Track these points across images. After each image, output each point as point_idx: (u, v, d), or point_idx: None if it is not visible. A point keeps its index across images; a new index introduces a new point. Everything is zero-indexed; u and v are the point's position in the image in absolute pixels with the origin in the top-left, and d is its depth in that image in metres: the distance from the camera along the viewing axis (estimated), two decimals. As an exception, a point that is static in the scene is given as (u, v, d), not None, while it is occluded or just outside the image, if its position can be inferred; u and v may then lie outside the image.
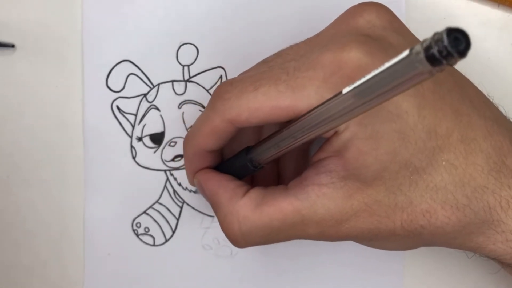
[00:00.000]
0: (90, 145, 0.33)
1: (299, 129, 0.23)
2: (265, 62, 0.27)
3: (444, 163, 0.24)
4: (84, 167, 0.33)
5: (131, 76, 0.33)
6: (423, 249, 0.33)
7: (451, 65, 0.15)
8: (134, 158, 0.33)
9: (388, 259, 0.33)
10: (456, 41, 0.15)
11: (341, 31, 0.26)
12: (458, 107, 0.25)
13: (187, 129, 0.33)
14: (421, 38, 0.31)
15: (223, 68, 0.33)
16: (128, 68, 0.33)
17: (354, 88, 0.18)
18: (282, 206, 0.25)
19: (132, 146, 0.33)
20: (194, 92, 0.33)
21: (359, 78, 0.18)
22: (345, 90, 0.19)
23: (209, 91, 0.33)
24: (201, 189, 0.29)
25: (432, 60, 0.15)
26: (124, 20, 0.33)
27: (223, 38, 0.33)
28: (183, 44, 0.33)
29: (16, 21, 0.32)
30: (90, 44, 0.32)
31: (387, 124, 0.23)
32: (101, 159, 0.33)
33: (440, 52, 0.15)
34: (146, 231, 0.33)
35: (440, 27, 0.33)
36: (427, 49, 0.15)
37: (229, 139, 0.27)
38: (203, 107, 0.33)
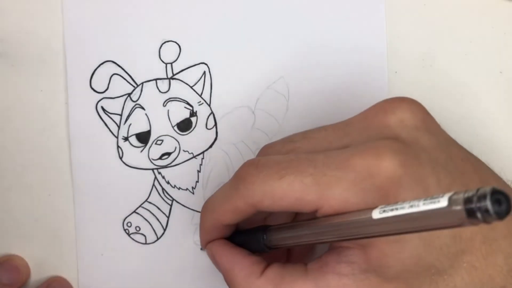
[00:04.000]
0: (77, 147, 0.33)
1: (321, 230, 0.23)
2: (291, 141, 0.27)
3: (465, 264, 0.24)
4: (71, 169, 0.33)
5: (115, 76, 0.33)
6: None
7: (487, 223, 0.15)
8: (121, 158, 0.33)
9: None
10: (497, 203, 0.15)
11: (372, 127, 0.25)
12: None
13: (172, 126, 0.33)
14: (403, 29, 0.31)
15: (206, 64, 0.33)
16: (111, 68, 0.33)
17: (384, 217, 0.19)
18: None
19: (118, 146, 0.33)
20: (178, 89, 0.33)
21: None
22: (375, 215, 0.19)
23: (193, 87, 0.33)
24: (213, 260, 0.29)
25: (470, 213, 0.15)
26: (105, 20, 0.33)
27: (205, 35, 0.33)
28: (165, 42, 0.33)
29: (-4, 26, 0.32)
30: (72, 47, 0.32)
31: None
32: (88, 161, 0.33)
33: (480, 209, 0.15)
34: (137, 230, 0.33)
35: (420, 13, 0.33)
36: (467, 201, 0.15)
37: (249, 217, 0.27)
38: (188, 104, 0.33)
